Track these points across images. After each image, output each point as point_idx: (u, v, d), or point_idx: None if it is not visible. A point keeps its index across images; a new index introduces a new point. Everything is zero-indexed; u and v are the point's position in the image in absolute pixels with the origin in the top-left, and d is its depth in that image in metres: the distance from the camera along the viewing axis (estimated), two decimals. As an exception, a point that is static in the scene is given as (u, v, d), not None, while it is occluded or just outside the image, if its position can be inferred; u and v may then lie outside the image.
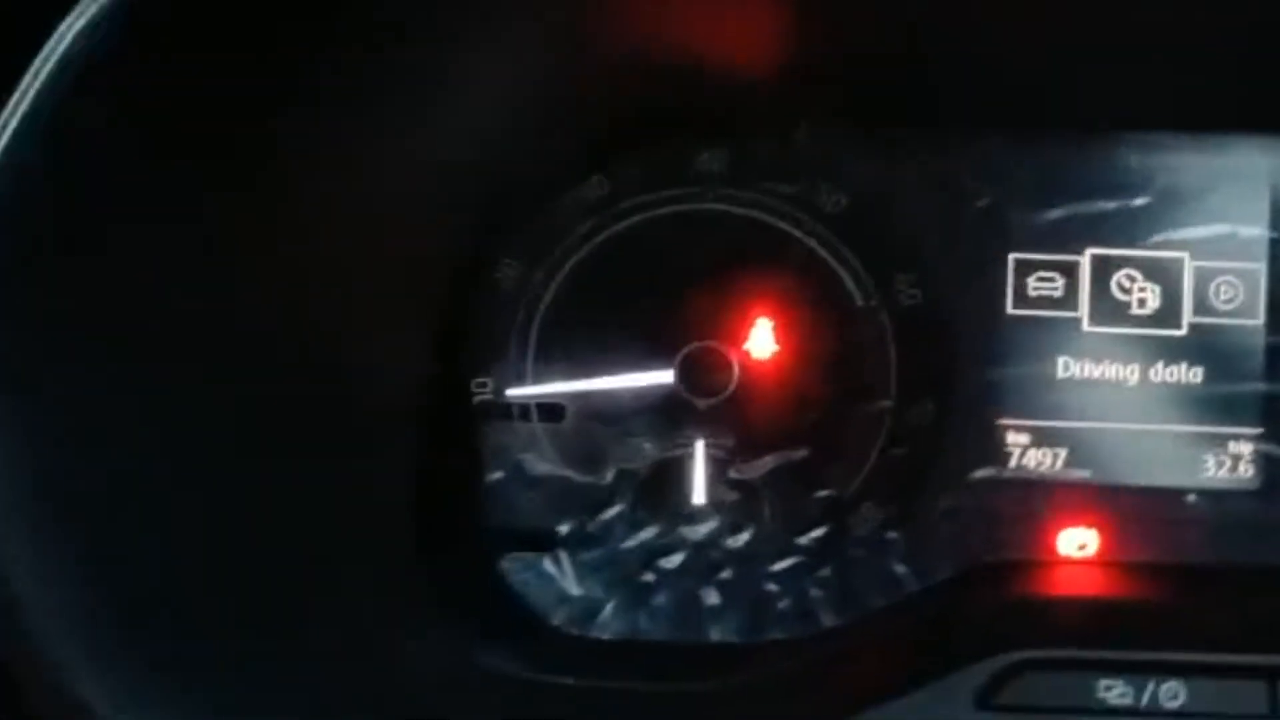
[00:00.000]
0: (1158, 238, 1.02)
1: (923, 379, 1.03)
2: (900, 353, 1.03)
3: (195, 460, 0.83)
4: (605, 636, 1.03)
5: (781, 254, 1.03)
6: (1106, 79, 0.96)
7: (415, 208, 0.94)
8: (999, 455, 1.03)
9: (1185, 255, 1.02)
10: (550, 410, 1.03)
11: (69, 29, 0.75)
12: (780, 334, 1.03)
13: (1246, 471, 1.02)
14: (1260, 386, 1.02)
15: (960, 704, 0.85)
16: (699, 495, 1.03)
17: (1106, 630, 0.89)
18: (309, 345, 0.89)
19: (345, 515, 0.91)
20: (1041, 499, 1.03)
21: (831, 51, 0.94)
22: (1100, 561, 1.02)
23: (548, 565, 1.03)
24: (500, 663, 0.95)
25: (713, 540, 1.03)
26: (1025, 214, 1.02)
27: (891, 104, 1.01)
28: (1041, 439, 1.02)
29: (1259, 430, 1.02)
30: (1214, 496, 1.02)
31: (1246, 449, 1.02)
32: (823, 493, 1.03)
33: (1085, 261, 1.02)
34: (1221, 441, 1.02)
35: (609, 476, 1.03)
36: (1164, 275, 1.02)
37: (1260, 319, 1.02)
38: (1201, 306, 1.02)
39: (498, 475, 1.03)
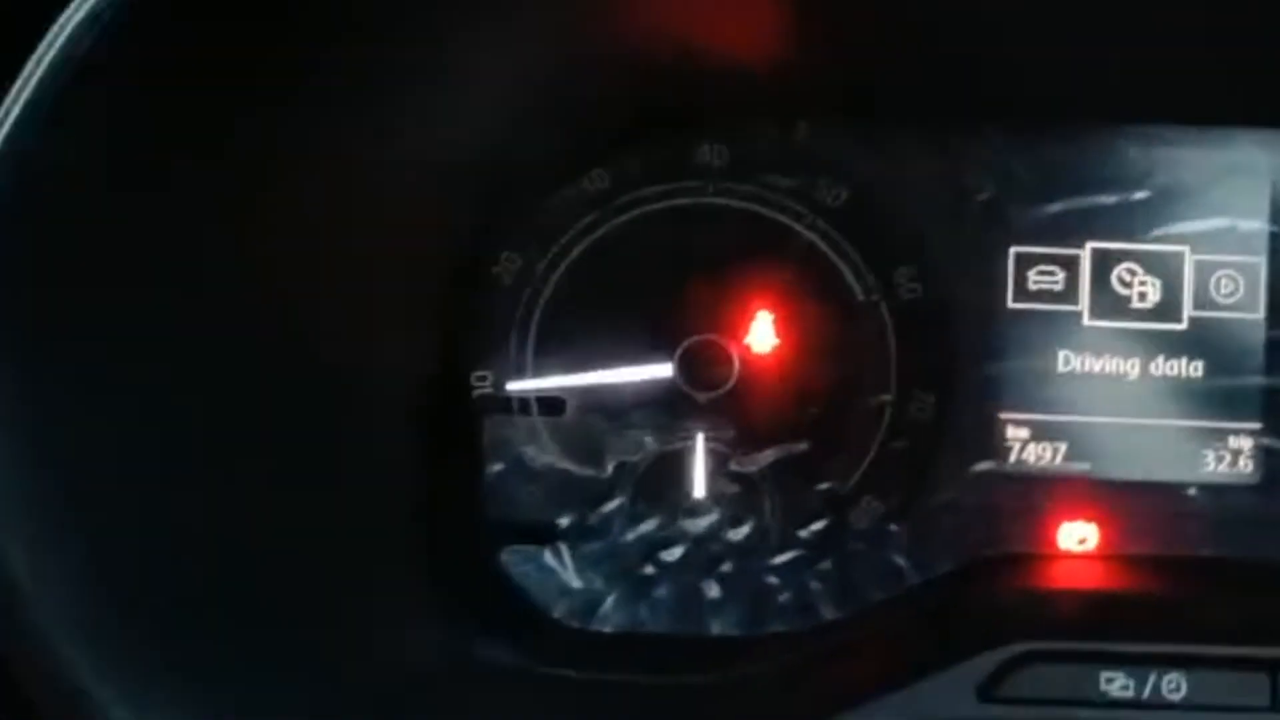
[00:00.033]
0: (1158, 231, 1.02)
1: (923, 372, 1.03)
2: (900, 346, 1.03)
3: (194, 457, 0.83)
4: (606, 629, 1.03)
5: (782, 248, 1.03)
6: (1107, 73, 0.95)
7: (415, 202, 0.94)
8: (999, 449, 1.03)
9: (1186, 249, 1.02)
10: (551, 403, 1.03)
11: (70, 20, 0.75)
12: (780, 327, 1.03)
13: (1247, 466, 1.02)
14: (1260, 381, 1.02)
15: (962, 696, 0.84)
16: (699, 488, 1.03)
17: (1108, 622, 0.89)
18: (309, 340, 0.89)
19: (345, 510, 0.91)
20: (1041, 493, 1.03)
21: (831, 48, 0.94)
22: (1100, 556, 1.02)
23: (548, 558, 1.03)
24: (501, 655, 0.95)
25: (713, 533, 1.03)
26: (1026, 208, 1.02)
27: (892, 99, 1.01)
28: (1042, 433, 1.02)
29: (1259, 425, 1.02)
30: (1214, 491, 1.02)
31: (1247, 443, 1.02)
32: (823, 486, 1.03)
33: (1086, 255, 1.02)
34: (1222, 436, 1.02)
35: (609, 470, 1.03)
36: (1164, 269, 1.02)
37: (1260, 313, 1.02)
38: (1202, 300, 1.02)
39: (498, 468, 1.03)
